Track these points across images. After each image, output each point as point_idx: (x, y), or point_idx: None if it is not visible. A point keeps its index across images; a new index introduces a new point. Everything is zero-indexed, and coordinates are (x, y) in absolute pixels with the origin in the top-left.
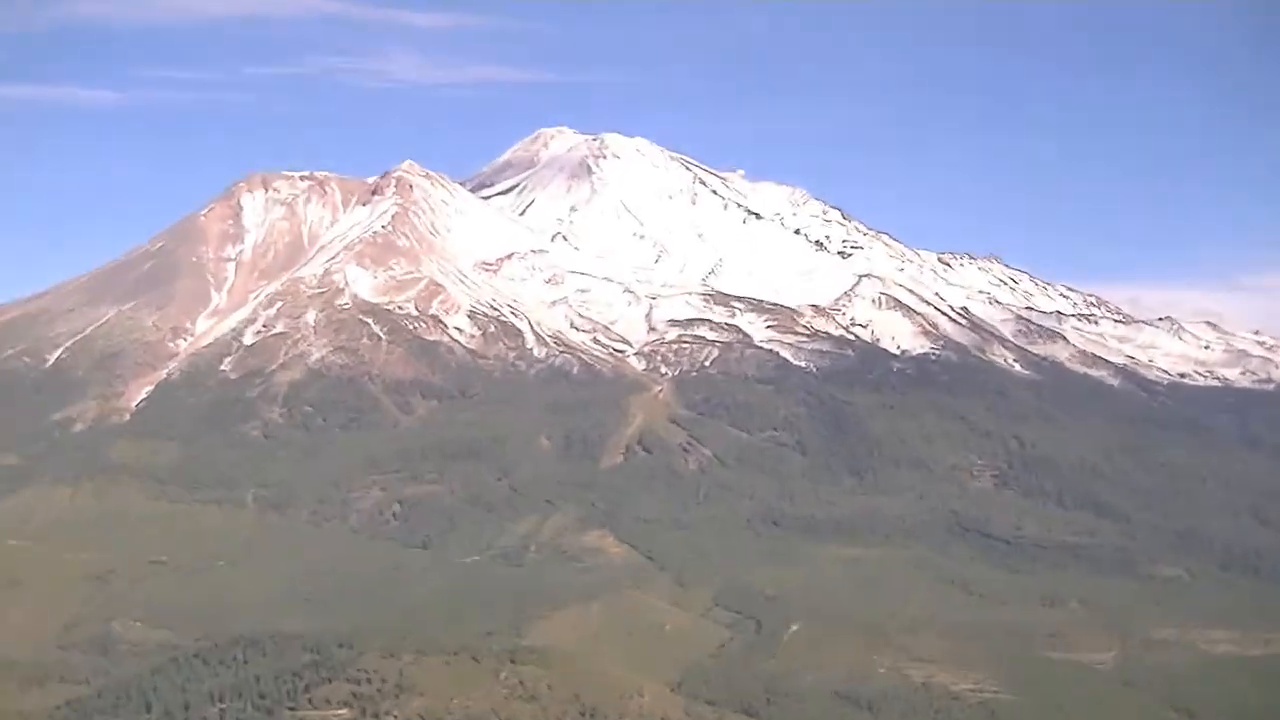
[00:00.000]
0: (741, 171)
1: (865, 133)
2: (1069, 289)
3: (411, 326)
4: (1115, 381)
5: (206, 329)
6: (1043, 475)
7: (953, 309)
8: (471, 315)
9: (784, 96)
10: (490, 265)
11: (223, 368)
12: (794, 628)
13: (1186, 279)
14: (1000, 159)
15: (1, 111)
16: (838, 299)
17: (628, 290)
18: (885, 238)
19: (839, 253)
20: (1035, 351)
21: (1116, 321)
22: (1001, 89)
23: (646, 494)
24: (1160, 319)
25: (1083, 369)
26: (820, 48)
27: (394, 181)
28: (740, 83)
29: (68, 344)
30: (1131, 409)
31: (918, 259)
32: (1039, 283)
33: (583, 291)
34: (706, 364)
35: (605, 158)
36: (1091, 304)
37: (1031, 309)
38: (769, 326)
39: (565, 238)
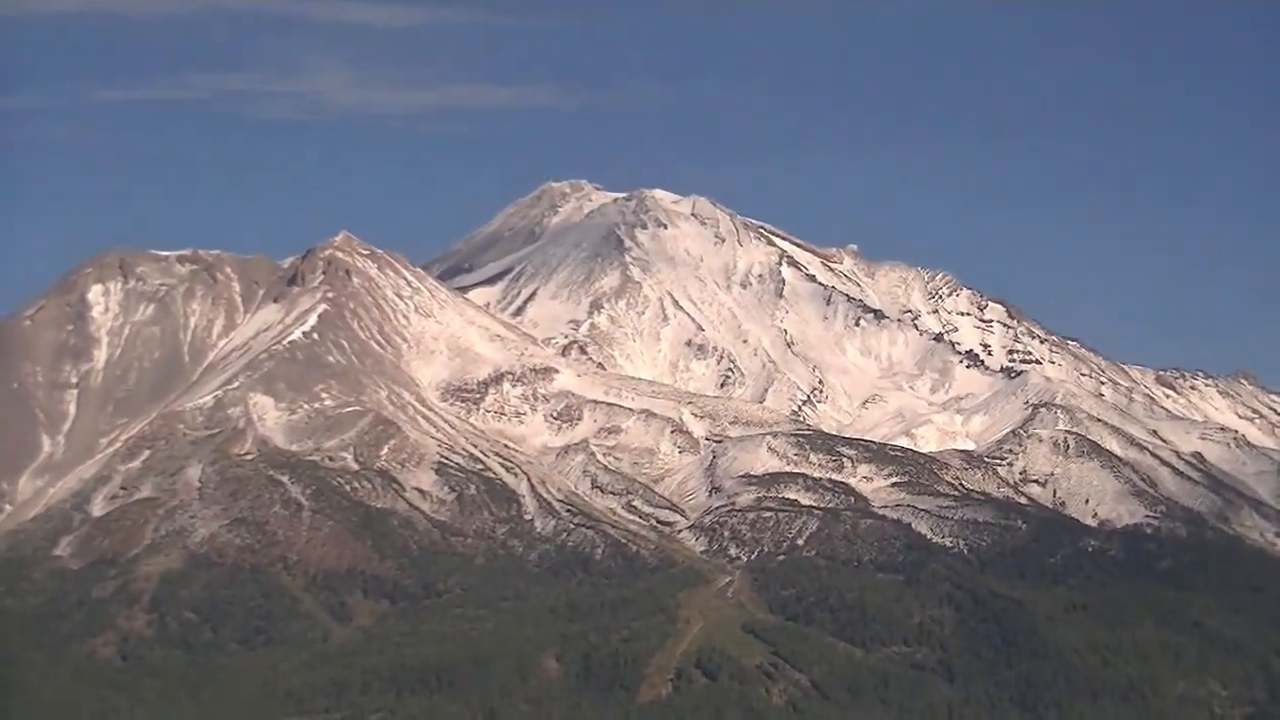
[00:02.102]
0: (854, 247)
1: (1044, 186)
2: None
3: (349, 487)
4: None
5: (33, 492)
6: None
7: (1180, 456)
8: (441, 470)
9: (919, 136)
10: (469, 393)
11: (58, 552)
12: None
13: None
14: (1253, 229)
15: None
16: (1002, 441)
17: (679, 430)
18: (1074, 346)
19: (1004, 369)
20: None
21: None
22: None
23: None
24: None
25: None
26: (988, 56)
27: (322, 264)
28: (851, 114)
29: None
30: None
31: (1125, 379)
32: None
33: (610, 432)
34: (800, 543)
35: (645, 226)
36: None
37: None
38: (896, 485)
39: (584, 349)
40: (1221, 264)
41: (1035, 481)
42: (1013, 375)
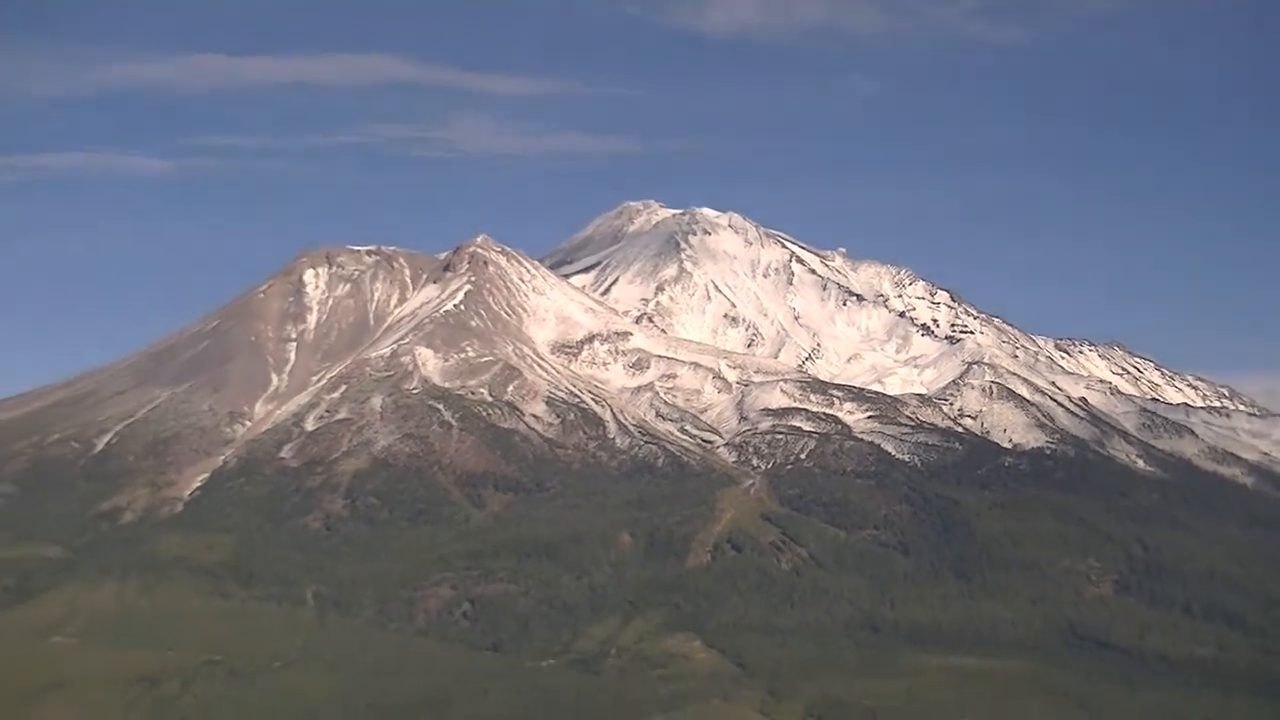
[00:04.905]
0: (843, 250)
1: (977, 209)
2: (1199, 379)
3: (485, 413)
4: (1249, 480)
5: (265, 413)
6: (1168, 582)
7: (1070, 400)
8: (549, 402)
9: (889, 169)
10: (570, 348)
11: (282, 455)
12: None
13: None
14: (1124, 238)
15: (45, 180)
16: (945, 388)
17: (718, 376)
18: (998, 322)
19: (947, 337)
20: (1161, 447)
21: (1251, 415)
22: (1124, 164)
23: (736, 596)
24: None
25: (1213, 466)
26: (928, 118)
27: (467, 257)
28: (842, 154)
29: (117, 428)
30: (1267, 511)
31: (1033, 345)
32: (1166, 372)
33: (669, 377)
34: (802, 457)
35: (695, 233)
36: (1224, 396)
37: (1157, 400)
38: (870, 417)
39: (651, 319)
40: (1103, 262)
41: (969, 416)
42: (954, 342)
